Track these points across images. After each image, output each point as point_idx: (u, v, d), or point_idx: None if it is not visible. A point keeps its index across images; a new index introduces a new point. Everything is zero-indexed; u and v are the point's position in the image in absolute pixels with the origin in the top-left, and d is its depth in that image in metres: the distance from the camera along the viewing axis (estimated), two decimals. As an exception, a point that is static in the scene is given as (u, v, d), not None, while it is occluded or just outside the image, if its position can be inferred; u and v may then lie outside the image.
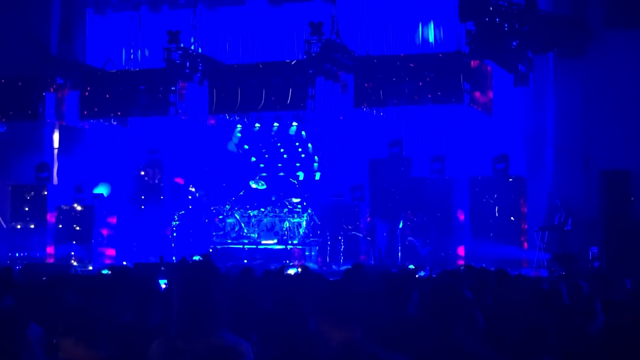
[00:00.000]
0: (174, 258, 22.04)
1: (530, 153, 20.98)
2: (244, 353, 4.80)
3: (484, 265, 13.73)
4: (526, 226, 20.47)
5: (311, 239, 22.17)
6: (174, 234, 22.99)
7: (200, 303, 4.80)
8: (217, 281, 5.00)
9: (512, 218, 20.26)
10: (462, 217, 20.91)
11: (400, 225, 20.64)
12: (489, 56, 19.54)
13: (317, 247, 21.88)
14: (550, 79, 20.81)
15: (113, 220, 23.44)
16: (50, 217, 23.10)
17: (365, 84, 20.46)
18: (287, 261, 20.39)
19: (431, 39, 22.81)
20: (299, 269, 10.97)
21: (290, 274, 10.86)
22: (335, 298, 5.14)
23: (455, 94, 19.65)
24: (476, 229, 20.49)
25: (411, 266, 16.84)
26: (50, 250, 22.84)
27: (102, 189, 23.96)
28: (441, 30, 22.70)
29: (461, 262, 19.32)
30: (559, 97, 20.56)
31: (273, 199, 23.08)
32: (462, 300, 5.44)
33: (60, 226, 23.04)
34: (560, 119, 20.52)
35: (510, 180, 20.46)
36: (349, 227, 21.54)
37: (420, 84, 19.95)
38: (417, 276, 14.21)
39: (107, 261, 22.50)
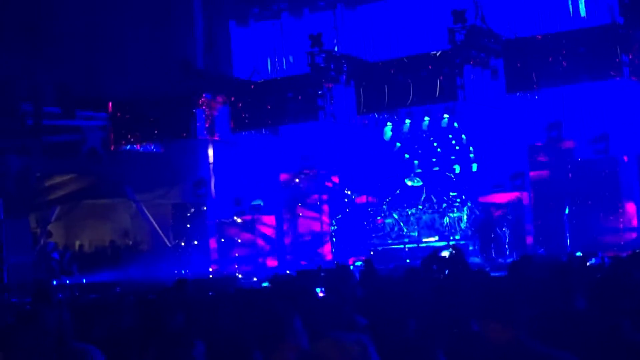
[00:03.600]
0: (336, 263, 21.87)
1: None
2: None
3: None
4: None
5: (473, 233, 21.51)
6: (334, 239, 22.81)
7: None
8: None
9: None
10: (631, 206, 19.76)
11: (567, 211, 19.72)
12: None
13: (480, 241, 21.17)
14: None
15: (271, 230, 23.46)
16: (212, 233, 23.33)
17: (517, 68, 19.74)
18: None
19: (582, 12, 21.76)
20: (453, 250, 10.46)
21: (444, 257, 10.30)
22: (498, 295, 4.81)
23: (614, 68, 18.67)
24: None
25: (579, 253, 15.97)
26: (214, 265, 23.07)
27: (259, 200, 24.07)
28: (592, 3, 21.65)
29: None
30: None
31: (431, 196, 22.59)
32: (632, 291, 5.01)
33: (223, 240, 23.23)
34: None
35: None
36: (509, 216, 20.73)
37: (575, 61, 19.08)
38: (587, 264, 13.47)
39: (270, 269, 22.56)
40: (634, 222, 19.77)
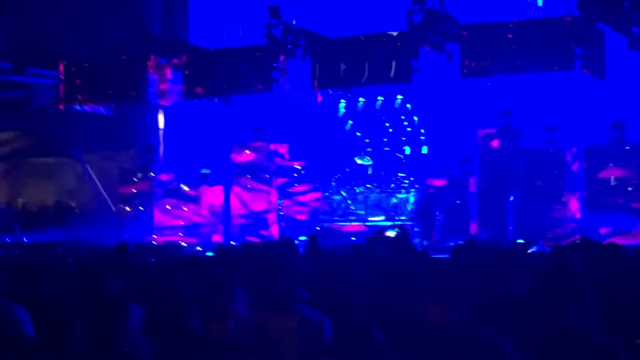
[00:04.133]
0: (281, 236, 21.88)
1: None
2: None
3: (599, 239, 13.07)
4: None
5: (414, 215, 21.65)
6: (281, 213, 22.79)
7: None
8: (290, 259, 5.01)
9: (629, 188, 19.32)
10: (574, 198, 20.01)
11: (511, 199, 19.92)
12: (601, 19, 18.69)
13: (421, 223, 21.31)
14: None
15: (218, 201, 23.35)
16: (158, 199, 23.15)
17: (472, 54, 19.84)
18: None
19: (539, 2, 21.93)
20: (399, 231, 10.50)
21: (389, 237, 10.35)
22: (440, 278, 4.87)
23: (567, 60, 18.85)
24: (591, 200, 19.64)
25: (520, 240, 16.16)
26: (158, 232, 22.91)
27: (207, 169, 23.96)
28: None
29: (576, 236, 18.54)
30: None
31: (380, 176, 22.69)
32: (574, 278, 5.12)
33: (168, 207, 23.06)
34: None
35: (626, 148, 19.49)
36: (458, 201, 20.89)
37: (529, 51, 19.23)
38: (529, 252, 13.63)
39: (214, 241, 22.51)
40: (576, 214, 20.04)
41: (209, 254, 14.45)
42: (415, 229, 20.72)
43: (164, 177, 23.28)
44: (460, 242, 10.66)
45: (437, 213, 20.57)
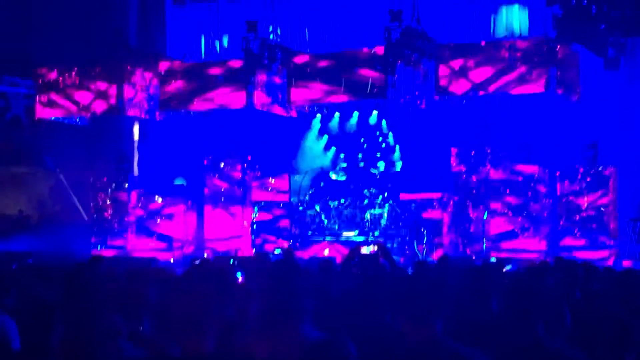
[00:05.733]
0: (255, 250, 21.88)
1: (621, 140, 20.20)
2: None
3: (572, 258, 13.17)
4: (617, 216, 19.71)
5: (393, 231, 21.71)
6: (255, 226, 22.74)
7: (282, 297, 4.78)
8: (297, 275, 4.97)
9: (602, 209, 19.47)
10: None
11: (485, 217, 20.01)
12: (577, 40, 18.89)
13: (399, 239, 21.39)
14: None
15: (192, 213, 23.30)
16: (132, 210, 23.04)
17: (447, 72, 19.98)
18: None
19: (515, 24, 22.12)
20: (375, 247, 10.53)
21: (365, 255, 10.40)
22: (416, 293, 4.89)
23: (542, 81, 19.00)
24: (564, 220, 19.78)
25: (493, 259, 16.25)
26: (132, 243, 22.81)
27: (181, 181, 23.91)
28: (526, 15, 22.00)
29: (546, 255, 18.67)
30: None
31: (354, 192, 22.73)
32: (546, 296, 5.20)
33: (144, 216, 22.91)
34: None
35: (599, 169, 19.65)
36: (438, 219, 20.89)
37: (505, 70, 19.38)
38: (503, 270, 13.70)
39: (188, 252, 22.44)
40: (548, 233, 20.17)
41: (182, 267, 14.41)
42: (388, 245, 20.76)
43: (137, 188, 23.17)
44: (433, 259, 10.71)
45: (422, 229, 20.62)
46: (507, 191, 20.04)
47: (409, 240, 20.62)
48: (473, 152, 20.49)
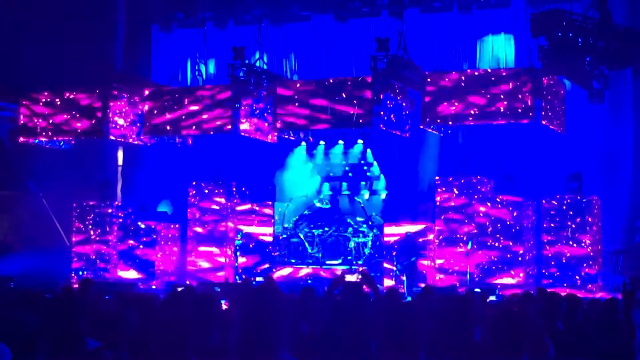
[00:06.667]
0: (236, 278, 21.74)
1: (605, 171, 20.27)
2: None
3: (555, 290, 13.15)
4: (600, 248, 19.72)
5: (377, 259, 21.61)
6: (238, 253, 22.60)
7: (262, 324, 4.83)
8: (278, 302, 5.01)
9: (586, 240, 19.47)
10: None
11: (469, 247, 19.96)
12: (562, 72, 18.97)
13: (383, 268, 21.27)
14: (628, 95, 20.21)
15: (175, 239, 23.18)
16: (115, 236, 22.88)
17: (432, 102, 20.01)
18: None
19: (501, 55, 22.27)
20: (359, 276, 10.49)
21: (349, 282, 10.33)
22: (400, 321, 4.88)
23: (527, 111, 19.07)
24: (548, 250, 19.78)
25: (477, 290, 16.14)
26: (114, 268, 22.65)
27: (165, 207, 23.79)
28: (512, 46, 22.16)
29: (529, 286, 18.62)
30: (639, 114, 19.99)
31: (338, 220, 22.67)
32: (529, 327, 5.22)
33: (130, 242, 22.74)
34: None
35: (584, 200, 19.67)
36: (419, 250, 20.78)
37: (490, 101, 19.44)
38: (487, 301, 13.67)
39: (171, 279, 22.30)
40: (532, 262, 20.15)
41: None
42: (372, 274, 20.66)
43: (120, 213, 23.03)
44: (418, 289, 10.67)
45: (413, 258, 20.51)
46: (491, 222, 20.00)
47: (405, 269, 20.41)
48: (457, 183, 20.44)
